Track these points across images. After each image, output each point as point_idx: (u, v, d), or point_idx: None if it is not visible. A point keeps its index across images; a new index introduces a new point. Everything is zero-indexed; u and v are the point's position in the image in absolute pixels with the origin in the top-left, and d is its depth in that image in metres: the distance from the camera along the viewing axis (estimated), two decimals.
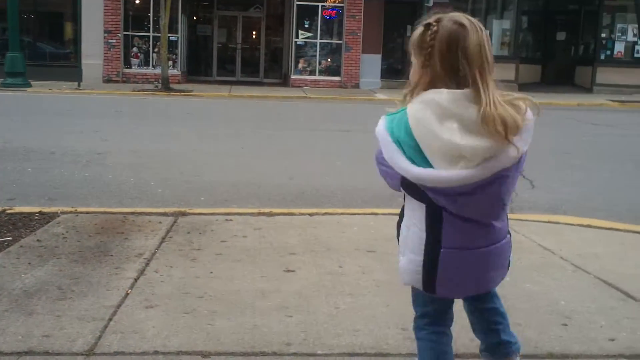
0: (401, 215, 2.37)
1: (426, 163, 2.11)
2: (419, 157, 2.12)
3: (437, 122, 2.07)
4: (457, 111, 2.08)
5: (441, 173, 2.10)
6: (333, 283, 3.96)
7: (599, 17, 24.76)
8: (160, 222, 5.26)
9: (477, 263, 2.28)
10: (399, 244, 2.35)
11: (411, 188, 2.20)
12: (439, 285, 2.27)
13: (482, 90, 2.07)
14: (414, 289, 2.40)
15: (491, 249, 2.28)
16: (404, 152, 2.13)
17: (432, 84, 2.14)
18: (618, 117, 16.30)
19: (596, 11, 24.96)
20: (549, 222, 5.66)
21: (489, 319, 2.59)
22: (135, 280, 3.91)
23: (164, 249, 4.59)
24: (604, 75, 24.24)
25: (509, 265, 2.42)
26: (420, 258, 2.25)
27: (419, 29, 2.19)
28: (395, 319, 3.41)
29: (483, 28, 2.22)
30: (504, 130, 2.05)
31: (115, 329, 3.20)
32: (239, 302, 3.59)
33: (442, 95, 2.09)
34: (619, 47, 24.61)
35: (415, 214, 2.25)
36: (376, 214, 5.75)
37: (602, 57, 24.66)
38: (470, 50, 2.12)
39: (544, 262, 4.49)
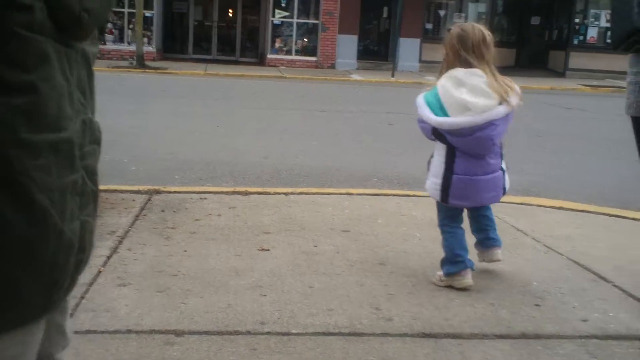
0: (431, 156, 3.62)
1: (446, 115, 3.39)
2: (440, 112, 3.41)
3: (453, 88, 3.39)
4: (466, 80, 3.39)
5: (454, 119, 3.38)
6: (307, 262, 3.95)
7: (573, 2, 24.89)
8: (134, 200, 5.21)
9: (475, 186, 3.53)
10: (428, 171, 3.64)
11: (437, 135, 3.47)
12: (450, 198, 3.54)
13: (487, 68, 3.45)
14: (437, 202, 3.66)
15: (486, 178, 3.53)
16: (431, 110, 3.42)
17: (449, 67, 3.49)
18: (590, 101, 16.45)
19: None
20: (521, 203, 5.70)
21: (482, 222, 3.81)
22: (108, 258, 3.86)
23: (137, 227, 4.55)
24: (577, 60, 24.42)
25: (504, 191, 3.67)
26: (439, 181, 3.54)
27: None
28: (369, 299, 3.42)
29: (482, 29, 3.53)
30: (505, 93, 3.37)
31: (87, 307, 3.16)
32: (212, 281, 3.57)
33: (458, 72, 3.42)
34: (592, 33, 24.79)
35: (440, 152, 3.54)
36: (351, 194, 5.76)
37: (575, 42, 24.83)
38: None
39: (517, 243, 4.53)
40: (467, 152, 3.47)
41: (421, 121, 3.51)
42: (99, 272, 3.63)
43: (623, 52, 2.29)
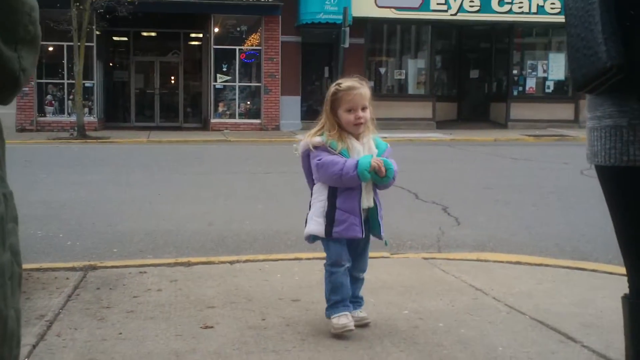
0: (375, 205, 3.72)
1: None
2: None
3: None
4: None
5: None
6: (255, 339, 3.63)
7: (510, 55, 25.49)
8: (67, 278, 4.83)
9: None
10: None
11: None
12: None
13: None
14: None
15: None
16: None
17: None
18: (535, 151, 16.62)
19: (506, 49, 25.69)
20: (477, 260, 5.50)
21: None
22: (34, 347, 3.48)
23: (69, 308, 4.17)
24: (517, 110, 24.87)
25: None
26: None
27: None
28: None
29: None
30: None
31: None
32: None
33: None
34: (531, 83, 25.37)
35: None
36: (300, 259, 5.47)
37: (515, 93, 25.34)
38: None
39: (477, 303, 4.28)
40: None
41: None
42: None
43: (588, 93, 2.11)
